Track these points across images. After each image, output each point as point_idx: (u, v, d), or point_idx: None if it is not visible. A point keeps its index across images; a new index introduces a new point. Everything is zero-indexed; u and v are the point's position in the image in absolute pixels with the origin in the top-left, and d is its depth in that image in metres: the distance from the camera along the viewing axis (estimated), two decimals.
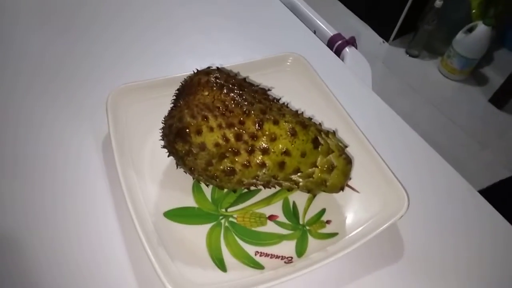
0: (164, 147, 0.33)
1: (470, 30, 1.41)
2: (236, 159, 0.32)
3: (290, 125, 0.32)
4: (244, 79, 0.36)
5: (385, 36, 1.70)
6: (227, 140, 0.31)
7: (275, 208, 0.37)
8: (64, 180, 0.37)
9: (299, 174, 0.34)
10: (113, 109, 0.39)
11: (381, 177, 0.39)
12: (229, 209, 0.36)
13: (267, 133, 0.32)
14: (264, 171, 0.33)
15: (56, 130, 0.41)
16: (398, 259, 0.37)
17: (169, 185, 0.37)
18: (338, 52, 0.57)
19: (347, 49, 0.57)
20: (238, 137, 0.31)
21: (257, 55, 0.49)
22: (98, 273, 0.32)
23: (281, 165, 0.32)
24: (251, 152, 0.32)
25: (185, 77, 0.36)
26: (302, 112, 0.38)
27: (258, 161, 0.32)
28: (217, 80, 0.34)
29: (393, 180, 0.38)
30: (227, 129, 0.31)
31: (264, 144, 0.32)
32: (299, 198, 0.38)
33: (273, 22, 0.58)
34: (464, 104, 1.48)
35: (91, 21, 0.54)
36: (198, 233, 0.34)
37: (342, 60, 0.57)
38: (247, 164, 0.32)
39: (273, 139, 0.32)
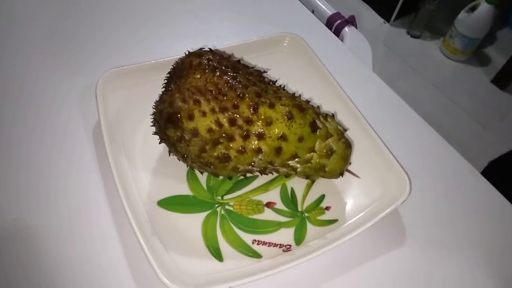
0: (155, 133, 0.32)
1: (473, 9, 1.37)
2: (231, 145, 0.30)
3: (287, 109, 0.31)
4: (238, 61, 0.35)
5: (385, 16, 1.66)
6: (220, 125, 0.30)
7: (273, 195, 0.36)
8: (55, 171, 0.36)
9: (296, 159, 0.32)
10: (103, 95, 0.38)
11: (382, 161, 0.38)
12: (225, 197, 0.35)
13: (262, 117, 0.30)
14: (260, 157, 0.31)
15: (45, 118, 0.40)
16: (400, 245, 0.36)
17: (162, 172, 0.36)
18: (337, 32, 0.55)
19: (346, 28, 0.55)
20: (232, 122, 0.30)
21: (252, 36, 0.47)
22: (92, 265, 0.31)
23: (278, 150, 0.31)
24: (246, 137, 0.30)
25: (177, 60, 0.34)
26: (300, 95, 0.36)
27: (253, 147, 0.31)
28: (210, 62, 0.32)
29: (394, 164, 0.37)
30: (220, 113, 0.30)
31: (259, 129, 0.30)
32: (297, 184, 0.37)
33: (269, 1, 0.56)
34: (466, 85, 1.46)
35: (76, 4, 0.52)
36: (193, 221, 0.33)
37: (342, 40, 0.55)
38: (242, 150, 0.31)
39: (268, 123, 0.30)
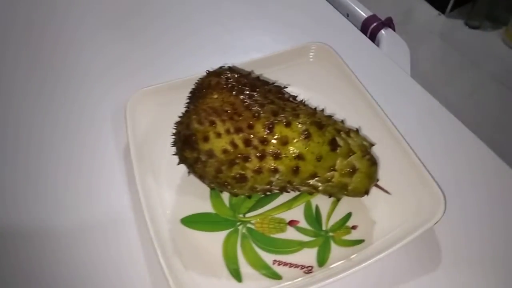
0: (175, 154, 0.33)
1: None
2: (247, 165, 0.30)
3: (304, 127, 0.30)
4: (258, 77, 0.34)
5: (441, 7, 1.56)
6: (235, 146, 0.30)
7: (296, 213, 0.35)
8: (86, 189, 0.38)
9: (316, 178, 0.31)
10: (132, 114, 0.39)
11: (415, 177, 0.35)
12: (247, 215, 0.35)
13: (278, 136, 0.30)
14: (277, 176, 0.31)
15: (76, 139, 0.42)
16: (436, 266, 0.33)
17: (187, 190, 0.36)
18: (373, 36, 0.53)
19: (383, 31, 0.52)
20: (247, 142, 0.30)
21: (282, 46, 0.46)
22: (116, 280, 0.32)
23: (295, 170, 0.30)
24: (262, 157, 0.30)
25: (198, 79, 0.34)
26: (323, 109, 0.35)
27: (270, 167, 0.30)
28: (228, 81, 0.32)
29: (428, 179, 0.34)
30: (235, 134, 0.30)
31: (275, 149, 0.30)
32: (322, 201, 0.36)
33: (300, 7, 0.55)
34: None
35: (105, 22, 0.54)
36: (215, 240, 0.33)
37: (378, 44, 0.52)
38: (259, 170, 0.30)
39: (284, 143, 0.30)
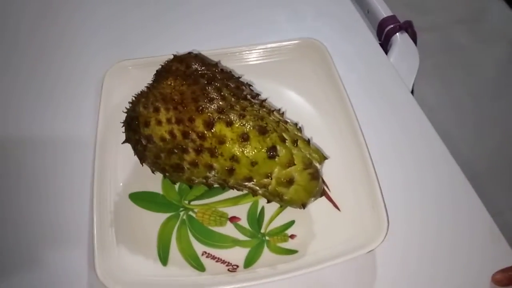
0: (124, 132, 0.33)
1: None
2: (184, 157, 0.30)
3: (244, 130, 0.29)
4: (222, 69, 0.34)
5: None
6: (174, 136, 0.30)
7: (240, 210, 0.35)
8: (54, 148, 0.40)
9: (252, 182, 0.31)
10: (108, 86, 0.40)
11: (368, 198, 0.33)
12: (192, 202, 0.36)
13: (216, 134, 0.29)
14: (213, 173, 0.31)
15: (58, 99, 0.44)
16: None
17: (143, 168, 0.37)
18: (388, 38, 0.49)
19: (397, 35, 0.48)
20: (185, 134, 0.30)
21: (281, 37, 0.45)
22: (56, 248, 0.34)
23: (230, 171, 0.30)
24: (198, 152, 0.30)
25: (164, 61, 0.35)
26: (283, 112, 0.34)
27: (206, 162, 0.30)
28: (188, 69, 0.32)
29: (379, 205, 0.32)
30: (175, 124, 0.30)
31: (211, 146, 0.29)
32: (270, 204, 0.35)
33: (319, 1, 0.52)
34: None
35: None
36: (154, 221, 0.34)
37: (389, 47, 0.49)
38: (195, 163, 0.30)
39: (221, 142, 0.29)
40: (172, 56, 0.34)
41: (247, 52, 0.42)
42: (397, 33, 0.48)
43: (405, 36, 0.48)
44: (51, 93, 0.44)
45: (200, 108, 0.30)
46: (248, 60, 0.42)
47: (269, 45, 0.42)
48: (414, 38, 0.49)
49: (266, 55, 0.42)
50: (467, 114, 1.19)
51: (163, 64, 0.34)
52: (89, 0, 0.53)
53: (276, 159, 0.30)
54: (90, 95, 0.43)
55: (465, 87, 1.24)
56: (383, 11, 0.50)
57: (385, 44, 0.49)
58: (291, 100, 0.40)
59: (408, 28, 0.48)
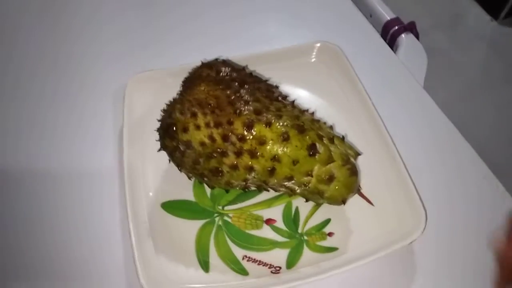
0: (158, 140, 0.33)
1: None
2: (224, 160, 0.30)
3: (284, 129, 0.30)
4: (250, 73, 0.34)
5: (494, 13, 1.46)
6: (213, 140, 0.30)
7: (275, 212, 0.35)
8: (78, 161, 0.39)
9: (292, 181, 0.31)
10: (130, 96, 0.40)
11: (401, 192, 0.34)
12: (226, 207, 0.35)
13: (257, 136, 0.30)
14: (253, 175, 0.31)
15: (76, 113, 0.43)
16: (410, 284, 0.32)
17: (172, 176, 0.37)
18: (393, 40, 0.51)
19: (403, 35, 0.50)
20: (225, 138, 0.30)
21: (292, 42, 0.46)
22: (92, 262, 0.34)
23: (271, 170, 0.30)
24: (238, 154, 0.30)
25: (192, 68, 0.35)
26: (313, 112, 0.35)
27: (246, 164, 0.30)
28: (219, 74, 0.33)
29: (414, 198, 0.33)
30: (214, 128, 0.30)
31: (251, 148, 0.30)
32: (303, 204, 0.35)
33: (319, 4, 0.53)
34: None
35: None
36: (190, 228, 0.34)
37: (396, 48, 0.50)
38: (235, 166, 0.30)
39: (261, 142, 0.30)
40: (200, 63, 0.34)
41: (267, 56, 0.42)
42: (403, 34, 0.50)
43: (411, 36, 0.50)
44: (70, 111, 0.43)
45: (238, 111, 0.30)
46: (268, 63, 0.42)
47: (286, 49, 0.43)
48: (417, 38, 0.51)
49: (285, 58, 0.43)
50: (451, 117, 1.23)
51: (190, 71, 0.34)
52: (97, 18, 0.53)
53: (317, 157, 0.30)
54: (107, 110, 0.42)
55: (447, 90, 1.29)
56: (387, 14, 0.52)
57: (391, 46, 0.51)
58: (313, 101, 0.41)
59: (413, 28, 0.50)
